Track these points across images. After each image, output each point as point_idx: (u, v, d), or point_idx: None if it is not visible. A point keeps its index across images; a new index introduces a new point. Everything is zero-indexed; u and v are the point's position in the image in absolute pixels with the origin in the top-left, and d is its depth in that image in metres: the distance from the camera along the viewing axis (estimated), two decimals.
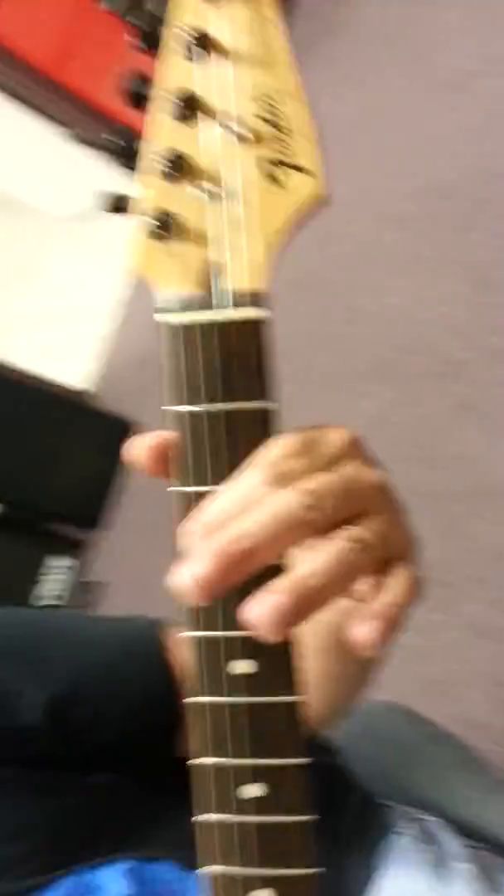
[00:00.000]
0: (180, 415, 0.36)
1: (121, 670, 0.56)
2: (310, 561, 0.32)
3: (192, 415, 0.35)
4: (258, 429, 0.35)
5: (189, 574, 0.31)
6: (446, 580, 1.51)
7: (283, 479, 0.32)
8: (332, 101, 2.26)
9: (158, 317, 0.36)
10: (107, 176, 2.53)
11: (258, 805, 0.37)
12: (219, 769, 0.37)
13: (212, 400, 0.35)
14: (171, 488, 0.36)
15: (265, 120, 0.36)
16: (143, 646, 0.57)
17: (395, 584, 0.33)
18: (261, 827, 0.37)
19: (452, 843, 0.63)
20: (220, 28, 0.36)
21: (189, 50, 0.36)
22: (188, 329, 0.36)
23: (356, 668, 0.55)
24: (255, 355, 0.35)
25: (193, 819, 0.38)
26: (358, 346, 1.91)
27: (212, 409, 0.35)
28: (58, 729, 0.53)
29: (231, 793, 0.37)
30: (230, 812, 0.37)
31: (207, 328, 0.35)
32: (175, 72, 0.36)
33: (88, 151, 2.82)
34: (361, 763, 0.80)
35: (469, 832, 0.69)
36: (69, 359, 2.95)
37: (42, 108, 2.69)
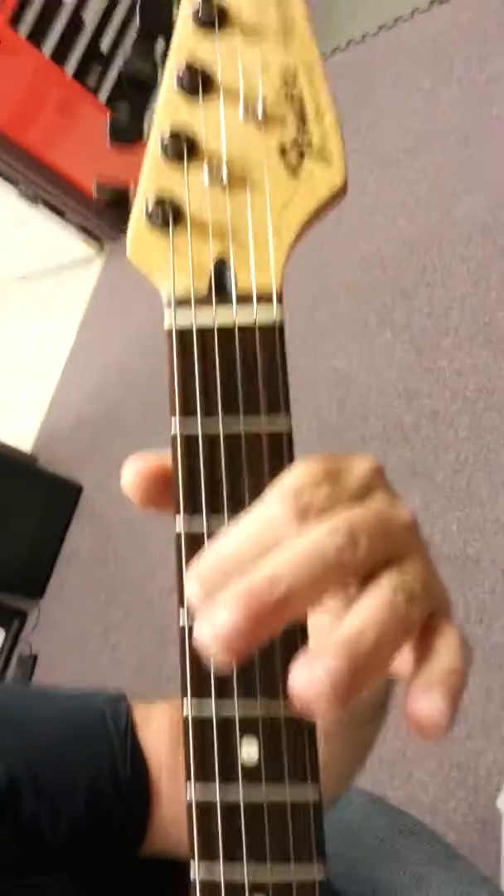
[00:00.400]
0: (189, 436, 0.29)
1: (80, 751, 0.48)
2: (354, 615, 0.25)
3: (207, 437, 0.29)
4: (281, 452, 0.29)
5: (214, 626, 0.24)
6: None
7: (308, 513, 0.26)
8: None
9: (166, 321, 0.30)
10: (55, 236, 2.50)
11: None
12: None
13: (227, 416, 0.29)
14: (179, 529, 0.29)
15: (283, 101, 0.30)
16: (105, 725, 0.49)
17: (449, 646, 0.27)
18: None
19: None
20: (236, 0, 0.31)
21: (202, 20, 0.31)
22: (197, 333, 0.29)
23: (355, 749, 0.47)
24: (274, 361, 0.29)
25: None
26: (302, 410, 1.88)
27: (230, 428, 0.29)
28: (5, 822, 0.44)
29: None
30: None
31: (216, 331, 0.29)
32: (186, 43, 0.31)
33: (35, 210, 2.80)
34: (329, 859, 0.71)
35: None
36: (13, 419, 2.85)
37: None
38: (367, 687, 0.25)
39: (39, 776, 0.46)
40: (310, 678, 0.24)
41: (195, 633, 0.24)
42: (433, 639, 0.27)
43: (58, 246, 3.02)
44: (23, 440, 2.74)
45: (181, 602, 0.28)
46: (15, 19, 2.41)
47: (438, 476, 1.56)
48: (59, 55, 2.51)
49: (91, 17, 2.56)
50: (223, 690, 0.29)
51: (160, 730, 0.50)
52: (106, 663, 2.06)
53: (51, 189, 2.72)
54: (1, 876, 0.44)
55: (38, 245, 3.02)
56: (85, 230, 2.95)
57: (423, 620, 0.27)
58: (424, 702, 0.26)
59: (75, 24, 2.53)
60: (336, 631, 0.25)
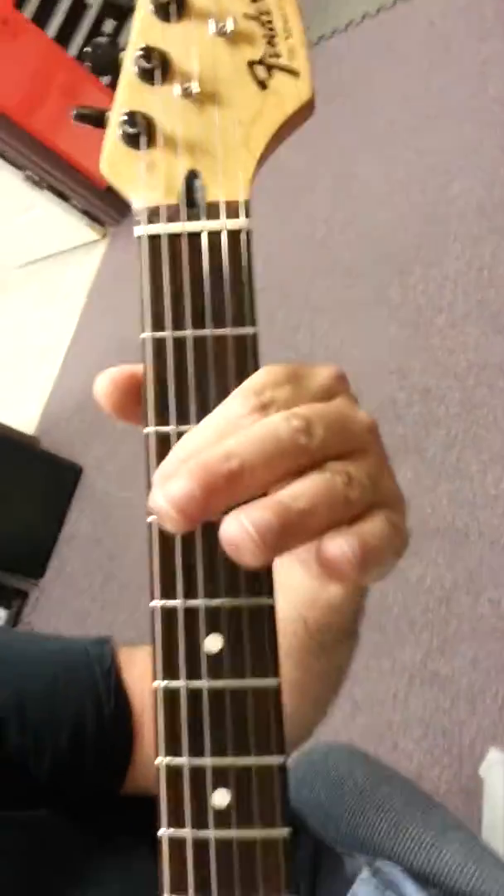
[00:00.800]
0: (159, 342, 0.30)
1: (65, 688, 0.49)
2: (293, 484, 0.27)
3: (176, 340, 0.30)
4: (246, 356, 0.30)
5: (168, 493, 0.25)
6: (383, 625, 1.46)
7: (268, 408, 0.27)
8: (278, 153, 2.30)
9: (136, 230, 0.31)
10: (59, 221, 2.49)
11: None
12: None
13: (196, 322, 0.30)
14: (147, 429, 0.30)
15: (253, 18, 0.31)
16: (89, 663, 0.51)
17: (375, 522, 0.28)
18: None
19: (411, 889, 0.57)
20: None
21: None
22: (167, 241, 0.31)
23: (330, 673, 0.49)
24: (240, 270, 0.30)
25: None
26: None
27: (198, 334, 0.30)
28: None
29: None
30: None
31: (188, 240, 0.30)
32: None
33: (40, 194, 2.79)
34: (311, 808, 0.73)
35: (424, 877, 0.63)
36: (17, 403, 2.87)
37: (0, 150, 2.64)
38: (291, 546, 0.26)
39: (26, 711, 0.47)
40: (238, 526, 0.25)
41: (149, 501, 0.26)
42: (366, 519, 0.28)
43: (62, 230, 3.01)
44: (26, 422, 2.75)
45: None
46: (21, 0, 2.41)
47: (429, 451, 1.57)
48: (63, 36, 2.50)
49: None
50: (189, 591, 0.30)
51: (144, 671, 0.51)
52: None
53: (56, 173, 2.72)
54: None
55: (42, 230, 3.02)
56: (89, 215, 2.95)
57: (361, 506, 0.28)
58: (329, 542, 0.27)
59: (79, 4, 2.52)
60: (272, 495, 0.26)
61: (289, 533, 0.26)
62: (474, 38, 2.07)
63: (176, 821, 0.31)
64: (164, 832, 0.30)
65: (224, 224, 0.31)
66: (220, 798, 0.31)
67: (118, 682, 0.51)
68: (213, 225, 0.31)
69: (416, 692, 1.39)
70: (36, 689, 0.49)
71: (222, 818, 0.30)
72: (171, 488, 0.25)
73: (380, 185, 2.03)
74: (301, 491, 0.26)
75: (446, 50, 2.12)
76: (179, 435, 0.30)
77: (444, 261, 1.77)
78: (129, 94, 0.32)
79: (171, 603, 0.30)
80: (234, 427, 0.27)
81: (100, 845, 0.49)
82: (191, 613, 0.30)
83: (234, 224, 0.31)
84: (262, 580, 0.30)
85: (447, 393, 1.61)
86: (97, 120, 0.32)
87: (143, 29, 0.32)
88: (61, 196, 2.86)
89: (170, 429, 0.30)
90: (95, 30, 2.52)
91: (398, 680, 1.41)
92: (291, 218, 2.22)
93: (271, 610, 0.30)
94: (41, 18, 2.45)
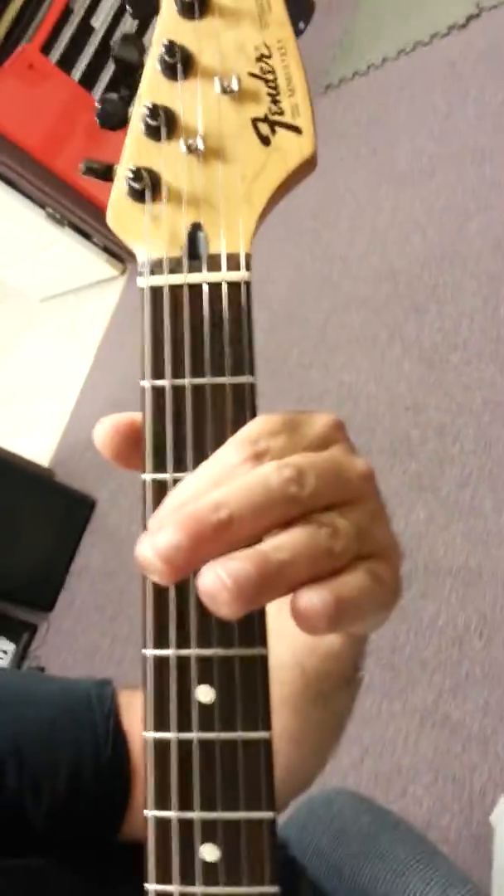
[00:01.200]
0: (158, 390, 0.31)
1: (64, 732, 0.49)
2: (276, 538, 0.27)
3: (174, 388, 0.30)
4: (243, 406, 0.30)
5: (155, 543, 0.25)
6: (395, 666, 1.44)
7: (263, 457, 0.27)
8: (297, 192, 2.34)
9: (139, 281, 0.31)
10: (80, 257, 2.56)
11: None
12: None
13: (194, 371, 0.30)
14: (144, 476, 0.30)
15: (257, 77, 0.32)
16: (90, 706, 0.50)
17: (357, 575, 0.28)
18: None
19: None
20: None
21: (182, 5, 0.33)
22: (168, 292, 0.31)
23: (329, 720, 0.48)
24: (240, 320, 0.30)
25: None
26: None
27: (196, 382, 0.30)
28: None
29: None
30: None
31: (189, 291, 0.31)
32: (168, 27, 0.33)
33: (61, 232, 2.86)
34: (312, 855, 0.72)
35: None
36: (34, 435, 2.90)
37: (24, 189, 2.71)
38: (269, 598, 0.26)
39: (23, 755, 0.47)
40: (214, 577, 0.25)
41: (137, 552, 0.26)
42: (348, 566, 0.28)
43: (82, 267, 3.07)
44: (41, 454, 2.77)
45: None
46: (47, 46, 2.48)
47: (443, 489, 1.56)
48: (89, 79, 2.58)
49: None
50: (182, 640, 0.30)
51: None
52: (112, 676, 2.05)
53: (78, 211, 2.78)
54: None
55: (63, 265, 3.09)
56: (108, 251, 3.01)
57: (346, 558, 0.28)
58: (302, 593, 0.27)
59: (104, 49, 2.60)
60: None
61: (266, 585, 0.25)
62: (493, 78, 2.10)
63: (163, 875, 0.30)
64: (151, 887, 0.30)
65: (225, 276, 0.31)
66: (209, 853, 0.30)
67: (117, 725, 0.50)
68: (214, 277, 0.31)
69: (427, 735, 1.36)
70: (34, 731, 0.48)
71: (210, 874, 0.30)
72: (158, 539, 0.25)
73: (397, 224, 2.05)
74: (283, 542, 0.26)
75: (465, 91, 2.15)
76: (176, 482, 0.30)
77: (460, 298, 1.77)
78: (136, 149, 0.33)
79: (162, 652, 0.30)
80: (228, 476, 0.27)
81: (99, 893, 0.48)
82: (182, 663, 0.30)
83: (234, 276, 0.31)
84: (255, 630, 0.30)
85: (462, 430, 1.61)
86: (104, 174, 0.33)
87: (150, 87, 0.33)
88: (82, 233, 2.92)
89: (167, 476, 0.31)
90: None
91: (409, 722, 1.39)
92: (308, 255, 2.25)
93: (264, 660, 0.30)
94: (67, 62, 2.53)
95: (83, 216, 2.80)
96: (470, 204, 1.90)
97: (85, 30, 2.57)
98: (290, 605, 0.27)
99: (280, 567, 0.26)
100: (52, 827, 0.47)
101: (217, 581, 0.25)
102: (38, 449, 2.81)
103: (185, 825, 0.30)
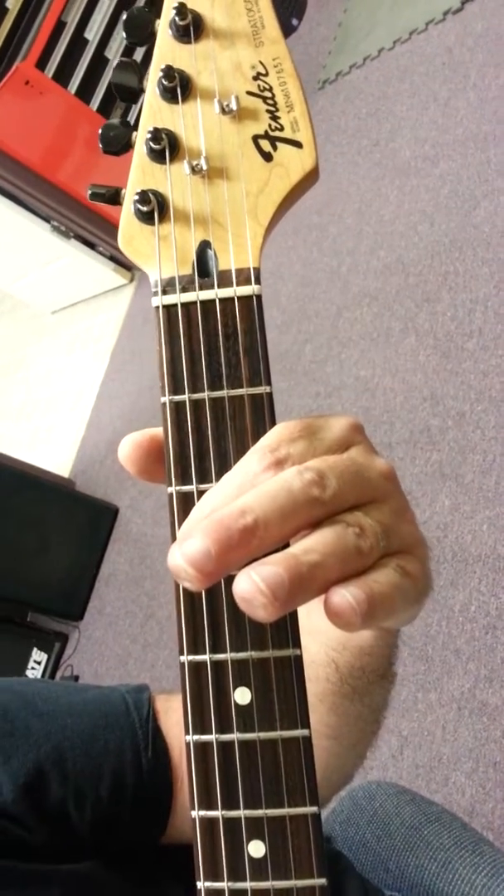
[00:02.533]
0: (178, 404, 0.32)
1: (104, 740, 0.50)
2: (306, 539, 0.28)
3: (194, 402, 0.31)
4: (262, 415, 0.31)
5: (185, 551, 0.26)
6: (429, 656, 1.45)
7: (284, 463, 0.28)
8: None
9: (153, 301, 0.32)
10: (88, 268, 2.59)
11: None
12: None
13: (212, 385, 0.31)
14: (169, 489, 0.31)
15: (255, 95, 0.33)
16: (128, 713, 0.51)
17: (387, 571, 0.29)
18: None
19: None
20: (206, 5, 0.34)
21: (178, 30, 0.34)
22: (181, 310, 0.32)
23: (367, 715, 0.49)
24: (253, 333, 0.31)
25: None
26: None
27: (215, 396, 0.31)
28: (33, 808, 0.46)
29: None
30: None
31: (202, 308, 0.32)
32: (165, 52, 0.34)
33: (68, 244, 2.90)
34: (358, 849, 0.73)
35: None
36: (52, 447, 2.94)
37: (28, 204, 2.75)
38: (304, 600, 0.27)
39: (66, 763, 0.48)
40: (249, 583, 0.26)
41: (168, 561, 0.27)
42: (377, 564, 0.29)
43: (90, 277, 3.11)
44: (61, 465, 2.80)
45: None
46: (42, 61, 2.51)
47: (467, 477, 1.56)
48: (85, 91, 2.60)
49: (113, 52, 2.65)
50: (216, 644, 0.31)
51: (181, 718, 0.52)
52: (146, 681, 2.06)
53: (82, 222, 2.81)
54: (34, 860, 0.46)
55: (71, 277, 3.12)
56: (116, 260, 3.03)
57: (374, 556, 0.29)
58: (335, 592, 0.27)
59: (98, 60, 2.62)
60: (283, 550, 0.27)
61: (300, 587, 0.26)
62: (492, 63, 2.08)
63: (213, 873, 0.31)
64: (201, 885, 0.31)
65: (236, 291, 0.32)
66: (256, 849, 0.31)
67: (156, 730, 0.51)
68: (225, 292, 0.32)
69: (465, 723, 1.36)
70: (75, 740, 0.49)
71: (258, 869, 0.31)
72: (187, 547, 0.26)
73: (403, 215, 2.05)
74: (312, 545, 0.27)
75: (465, 76, 2.14)
76: (200, 493, 0.31)
77: (472, 285, 1.77)
78: (141, 173, 0.34)
79: (198, 657, 0.31)
80: (251, 483, 0.28)
81: (147, 894, 0.49)
82: (219, 667, 0.31)
83: (244, 290, 0.32)
84: (287, 631, 0.31)
85: (482, 417, 1.60)
86: (112, 198, 0.34)
87: (152, 112, 0.34)
88: (88, 244, 2.95)
89: (191, 488, 0.32)
90: None
91: (446, 711, 1.39)
92: (315, 251, 2.25)
93: (298, 660, 0.31)
94: (62, 76, 2.55)
95: (88, 227, 2.83)
96: (476, 190, 1.89)
97: (79, 42, 2.59)
98: (323, 604, 0.28)
99: (311, 569, 0.27)
100: (97, 834, 0.48)
101: (252, 586, 0.26)
102: (57, 460, 2.84)
103: (231, 823, 0.31)
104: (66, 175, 2.67)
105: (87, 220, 2.80)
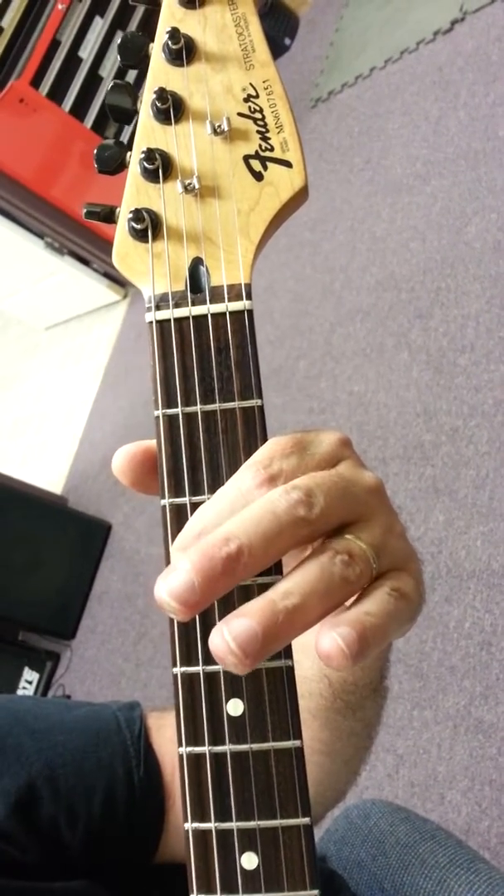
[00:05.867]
0: (171, 418, 0.32)
1: (96, 757, 0.50)
2: (288, 578, 0.28)
3: (186, 416, 0.32)
4: (254, 428, 0.32)
5: (168, 584, 0.26)
6: (424, 673, 1.44)
7: (276, 481, 0.29)
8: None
9: (146, 316, 0.33)
10: (81, 284, 2.61)
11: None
12: None
13: (205, 398, 0.32)
14: (163, 501, 0.32)
15: (246, 116, 0.34)
16: (119, 730, 0.51)
17: (378, 594, 0.29)
18: None
19: None
20: (198, 29, 0.35)
21: (171, 53, 0.35)
22: (174, 325, 0.33)
23: (359, 730, 0.49)
24: (244, 347, 0.32)
25: None
26: None
27: (207, 409, 0.32)
28: (25, 826, 0.46)
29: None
30: None
31: (194, 323, 0.33)
32: (159, 75, 0.35)
33: (61, 260, 2.93)
34: (352, 868, 0.72)
35: None
36: (45, 463, 2.94)
37: (22, 220, 2.77)
38: (284, 644, 0.27)
39: (58, 781, 0.48)
40: (221, 641, 0.26)
41: (154, 594, 0.27)
42: (370, 588, 0.29)
43: (84, 293, 3.12)
44: (54, 482, 2.80)
45: None
46: (37, 79, 2.54)
47: (460, 492, 1.56)
48: (79, 109, 2.63)
49: (107, 71, 2.68)
50: (209, 656, 0.32)
51: (174, 735, 0.51)
52: (138, 700, 2.04)
53: (76, 239, 2.83)
54: (25, 879, 0.46)
55: (65, 293, 3.14)
56: (109, 277, 3.05)
57: (364, 581, 0.29)
58: (324, 636, 0.27)
59: (92, 78, 2.65)
60: (264, 594, 0.27)
61: (275, 637, 0.26)
62: (482, 81, 2.12)
63: (206, 885, 0.31)
64: None
65: (227, 306, 0.32)
66: (249, 861, 0.31)
67: (148, 747, 0.51)
68: (217, 308, 0.33)
69: (461, 741, 1.36)
70: (67, 758, 0.49)
71: (251, 881, 0.31)
72: (171, 581, 0.26)
73: (395, 232, 2.07)
74: (293, 586, 0.27)
75: (455, 95, 2.17)
76: (194, 506, 0.31)
77: (464, 301, 1.78)
78: (135, 192, 0.34)
79: (191, 669, 0.31)
80: (244, 500, 0.29)
81: None
82: (211, 678, 0.31)
83: (236, 306, 0.33)
84: None
85: (475, 432, 1.61)
86: (106, 216, 0.35)
87: (145, 132, 0.35)
88: (82, 260, 2.96)
89: (184, 500, 0.32)
90: None
91: (441, 729, 1.39)
92: (308, 267, 2.27)
93: (290, 671, 0.31)
94: (57, 94, 2.58)
95: (82, 244, 2.85)
96: (467, 207, 1.91)
97: (73, 61, 2.62)
98: (315, 645, 0.28)
99: (289, 615, 0.26)
100: (89, 850, 0.48)
101: (223, 644, 0.26)
102: (49, 477, 2.84)
103: (224, 835, 0.31)
104: (59, 192, 2.69)
105: (81, 237, 2.82)
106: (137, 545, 2.34)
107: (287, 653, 0.31)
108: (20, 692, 2.26)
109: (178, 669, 0.31)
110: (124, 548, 2.39)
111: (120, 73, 2.63)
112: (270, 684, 0.31)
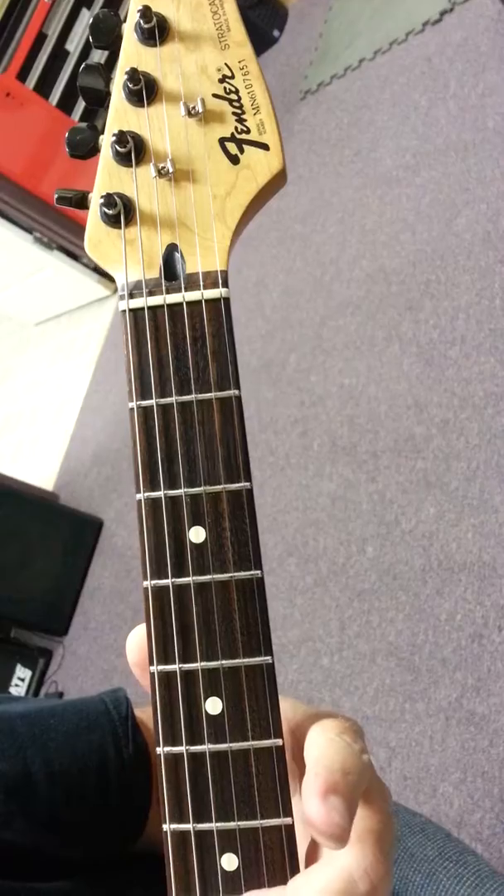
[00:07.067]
0: (146, 409, 0.32)
1: (87, 738, 0.50)
2: None
3: (161, 407, 0.31)
4: (231, 419, 0.31)
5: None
6: (416, 666, 1.44)
7: None
8: (285, 199, 2.36)
9: (119, 305, 0.32)
10: (71, 279, 2.58)
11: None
12: None
13: (180, 389, 0.31)
14: (138, 495, 0.31)
15: (221, 98, 0.33)
16: (107, 711, 0.52)
17: None
18: None
19: None
20: (171, 8, 0.34)
21: (143, 33, 0.33)
22: (148, 314, 0.32)
23: None
24: (221, 336, 0.31)
25: None
26: (315, 427, 1.90)
27: (183, 400, 0.31)
28: (21, 811, 0.46)
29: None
30: None
31: (169, 311, 0.32)
32: (128, 55, 0.34)
33: (50, 255, 2.90)
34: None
35: None
36: (36, 460, 2.92)
37: (10, 215, 2.74)
38: None
39: (53, 763, 0.48)
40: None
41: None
42: None
43: (74, 289, 3.10)
44: (45, 479, 2.79)
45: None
46: (23, 73, 2.52)
47: (451, 485, 1.56)
48: (66, 102, 2.61)
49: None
50: (187, 656, 0.31)
51: None
52: (131, 697, 2.04)
53: (66, 234, 2.81)
54: (11, 878, 0.45)
55: (54, 288, 3.11)
56: (99, 272, 3.03)
57: None
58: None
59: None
60: None
61: None
62: (471, 72, 2.10)
63: (186, 887, 0.31)
64: None
65: (203, 294, 0.32)
66: (229, 862, 0.30)
67: (135, 726, 0.51)
68: (192, 295, 0.32)
69: (453, 733, 1.36)
70: (60, 740, 0.49)
71: (231, 883, 0.30)
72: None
73: (385, 224, 2.06)
74: None
75: (445, 86, 2.16)
76: (170, 499, 0.31)
77: (454, 293, 1.78)
78: (107, 177, 0.33)
79: (168, 667, 0.31)
80: None
81: None
82: (189, 677, 0.31)
83: (212, 293, 0.32)
84: (259, 638, 0.31)
85: (466, 424, 1.61)
86: (79, 202, 0.34)
87: (117, 115, 0.34)
88: (71, 255, 2.94)
89: (160, 494, 0.31)
90: None
91: (434, 722, 1.38)
92: (299, 260, 2.26)
93: (270, 668, 0.31)
94: (44, 87, 2.56)
95: (70, 238, 2.83)
96: (457, 198, 1.90)
97: (60, 54, 2.60)
98: None
99: None
100: (87, 832, 0.48)
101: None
102: (40, 473, 2.82)
103: (203, 836, 0.30)
104: (48, 186, 2.67)
105: (70, 232, 2.80)
106: (130, 541, 2.33)
107: (267, 648, 0.31)
108: (13, 690, 2.25)
109: (156, 668, 0.31)
110: (116, 544, 2.38)
111: (110, 62, 2.61)
112: (250, 682, 0.31)
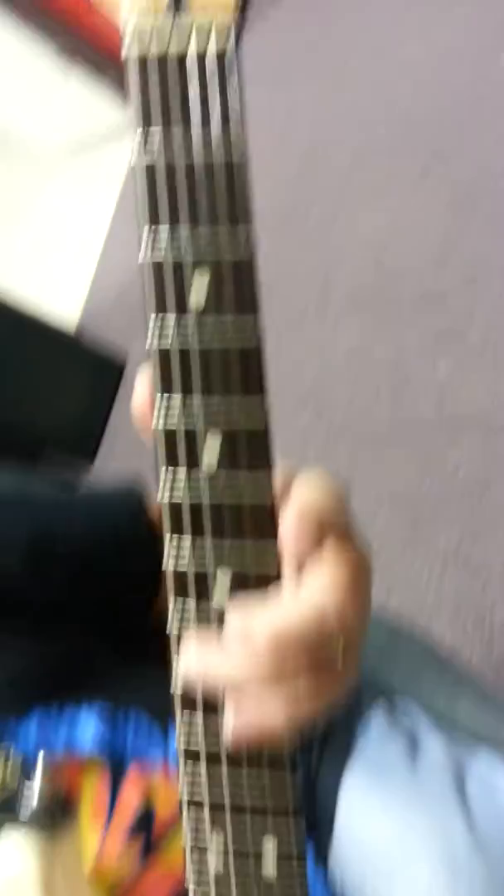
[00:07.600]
0: (150, 167, 0.32)
1: (106, 503, 0.55)
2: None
3: (168, 168, 0.31)
4: (241, 178, 0.31)
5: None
6: (419, 511, 1.48)
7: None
8: (311, 37, 2.20)
9: (124, 53, 0.31)
10: (96, 105, 2.40)
11: None
12: None
13: (186, 144, 0.30)
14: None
15: None
16: (122, 482, 0.57)
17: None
18: None
19: (425, 725, 0.61)
20: None
21: None
22: (156, 60, 0.30)
23: None
24: (231, 66, 0.30)
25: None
26: (335, 278, 1.86)
27: (190, 162, 0.31)
28: (38, 571, 0.50)
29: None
30: None
31: (176, 58, 0.30)
32: None
33: (72, 68, 2.71)
34: None
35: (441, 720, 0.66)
36: (58, 296, 2.86)
37: (30, 28, 2.57)
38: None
39: (73, 524, 0.53)
40: None
41: None
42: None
43: (97, 114, 2.92)
44: (67, 316, 2.75)
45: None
46: None
47: (470, 339, 1.54)
48: None
49: None
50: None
51: None
52: None
53: (89, 47, 2.64)
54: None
55: (76, 114, 2.94)
56: (124, 90, 2.85)
57: None
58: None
59: None
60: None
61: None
62: None
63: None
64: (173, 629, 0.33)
65: (217, 45, 0.30)
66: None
67: (147, 495, 0.55)
68: (207, 46, 0.30)
69: (450, 576, 1.42)
70: (77, 504, 0.55)
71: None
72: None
73: (422, 64, 1.91)
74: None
75: None
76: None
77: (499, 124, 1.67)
78: None
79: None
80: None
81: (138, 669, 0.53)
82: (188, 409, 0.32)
83: (225, 45, 0.30)
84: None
85: (489, 283, 1.56)
86: None
87: None
88: (97, 68, 2.76)
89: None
90: None
91: (432, 563, 1.44)
92: (329, 105, 2.12)
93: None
94: None
95: (95, 51, 2.66)
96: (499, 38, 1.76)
97: None
98: None
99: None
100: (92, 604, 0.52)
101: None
102: (62, 314, 2.79)
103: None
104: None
105: (93, 46, 2.62)
106: None
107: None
108: None
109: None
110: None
111: None
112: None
